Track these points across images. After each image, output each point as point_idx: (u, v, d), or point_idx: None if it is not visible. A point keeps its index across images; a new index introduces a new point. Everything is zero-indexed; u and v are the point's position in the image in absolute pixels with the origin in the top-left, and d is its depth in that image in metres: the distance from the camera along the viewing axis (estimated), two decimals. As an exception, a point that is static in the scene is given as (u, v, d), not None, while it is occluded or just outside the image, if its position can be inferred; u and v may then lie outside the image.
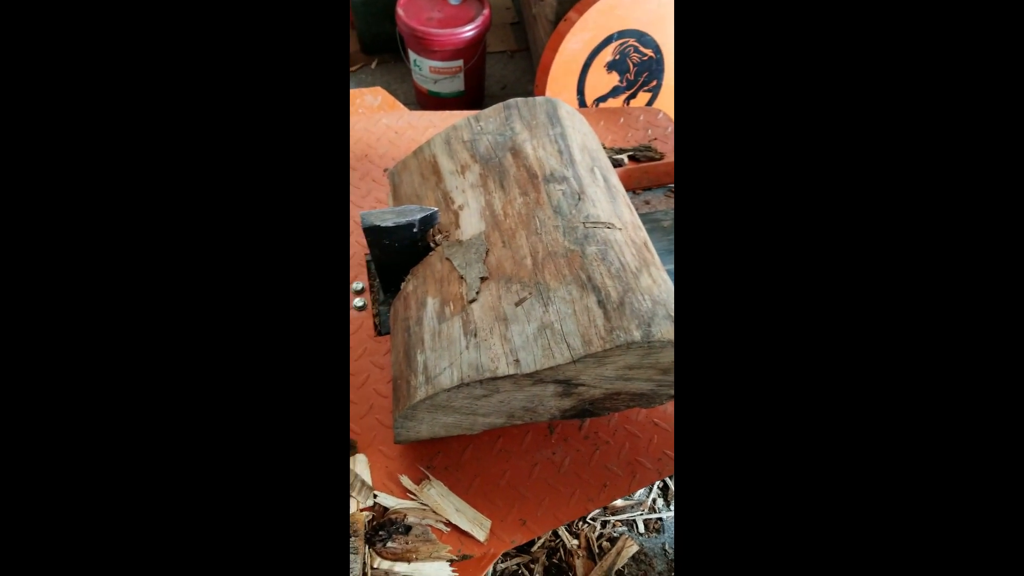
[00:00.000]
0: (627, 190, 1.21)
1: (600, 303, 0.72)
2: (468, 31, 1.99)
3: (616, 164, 1.21)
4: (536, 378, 0.71)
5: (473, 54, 2.09)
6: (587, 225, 0.80)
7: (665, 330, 0.70)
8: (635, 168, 1.18)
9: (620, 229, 0.81)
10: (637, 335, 0.69)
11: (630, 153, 1.24)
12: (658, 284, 0.77)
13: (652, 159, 1.23)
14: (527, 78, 2.48)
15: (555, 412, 0.83)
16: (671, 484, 1.57)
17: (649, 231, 1.13)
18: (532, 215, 0.82)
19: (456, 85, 2.16)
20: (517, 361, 0.70)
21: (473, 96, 2.26)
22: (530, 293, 0.75)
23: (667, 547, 1.49)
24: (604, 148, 1.24)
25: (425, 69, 2.11)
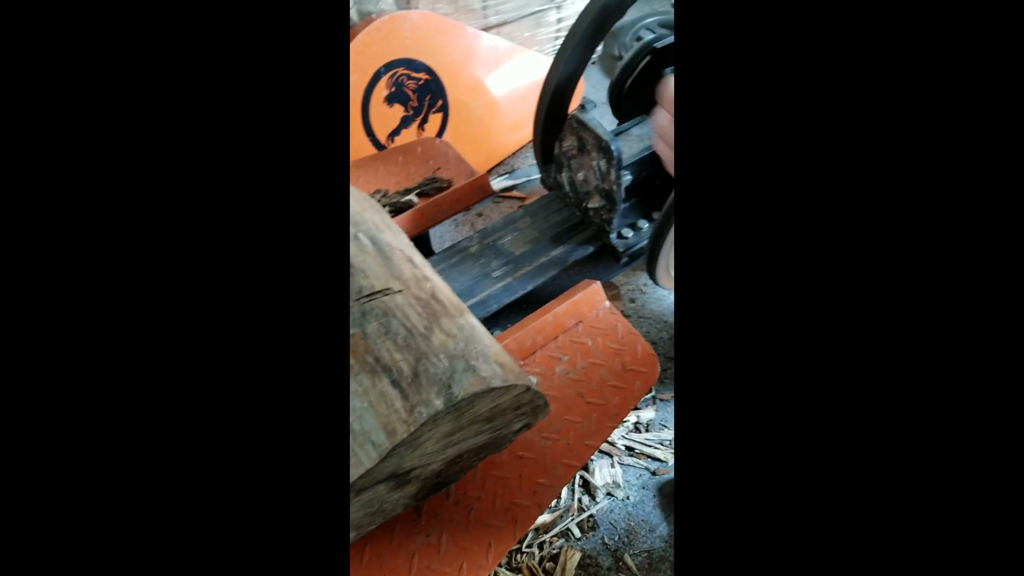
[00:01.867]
0: (444, 219, 1.16)
1: (394, 383, 0.67)
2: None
3: (407, 206, 1.17)
4: (355, 489, 0.65)
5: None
6: (362, 301, 0.74)
7: (468, 384, 0.67)
8: (426, 205, 1.15)
9: (400, 291, 0.77)
10: (439, 404, 0.65)
11: (417, 191, 1.20)
12: (453, 336, 0.73)
13: (441, 190, 1.21)
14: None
15: (406, 502, 0.77)
16: (589, 477, 1.58)
17: (457, 263, 1.10)
18: (303, 310, 0.75)
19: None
20: (325, 482, 0.63)
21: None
22: (321, 399, 0.68)
23: (606, 539, 1.49)
24: (388, 195, 1.20)
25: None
